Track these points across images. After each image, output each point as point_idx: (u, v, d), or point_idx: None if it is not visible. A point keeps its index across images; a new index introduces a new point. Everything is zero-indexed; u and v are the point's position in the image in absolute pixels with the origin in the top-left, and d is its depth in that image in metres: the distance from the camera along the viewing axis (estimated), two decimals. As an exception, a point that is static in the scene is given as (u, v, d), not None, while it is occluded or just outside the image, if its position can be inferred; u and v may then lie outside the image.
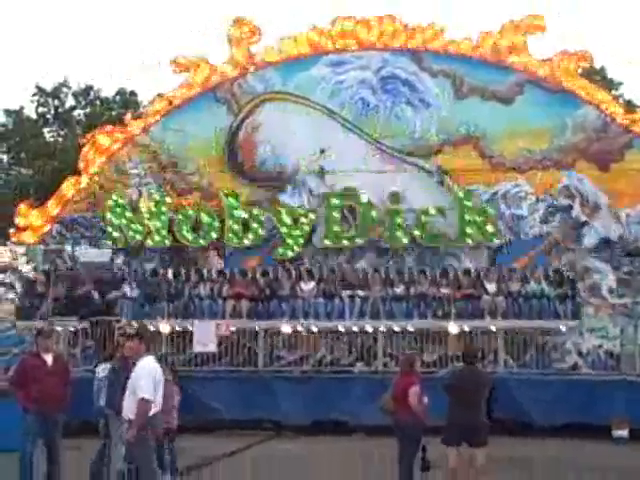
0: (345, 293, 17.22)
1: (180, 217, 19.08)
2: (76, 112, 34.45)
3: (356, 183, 19.08)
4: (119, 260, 19.04)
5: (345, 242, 18.79)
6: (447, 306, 16.65)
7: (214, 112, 20.04)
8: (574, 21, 45.00)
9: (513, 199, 18.78)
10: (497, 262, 18.35)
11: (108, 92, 34.75)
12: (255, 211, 19.03)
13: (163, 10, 58.20)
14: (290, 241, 18.81)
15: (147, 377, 7.38)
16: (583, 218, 18.39)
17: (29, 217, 20.01)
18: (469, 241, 18.30)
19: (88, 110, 34.14)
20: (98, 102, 34.55)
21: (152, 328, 15.43)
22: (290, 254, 18.78)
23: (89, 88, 34.40)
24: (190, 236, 19.04)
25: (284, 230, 18.82)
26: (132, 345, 7.73)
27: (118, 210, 19.25)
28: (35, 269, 18.88)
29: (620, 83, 31.89)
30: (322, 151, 19.27)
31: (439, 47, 19.67)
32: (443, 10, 38.60)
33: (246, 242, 18.98)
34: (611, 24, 53.65)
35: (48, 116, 34.11)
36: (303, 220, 18.85)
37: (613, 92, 26.33)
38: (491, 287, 17.08)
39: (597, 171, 18.63)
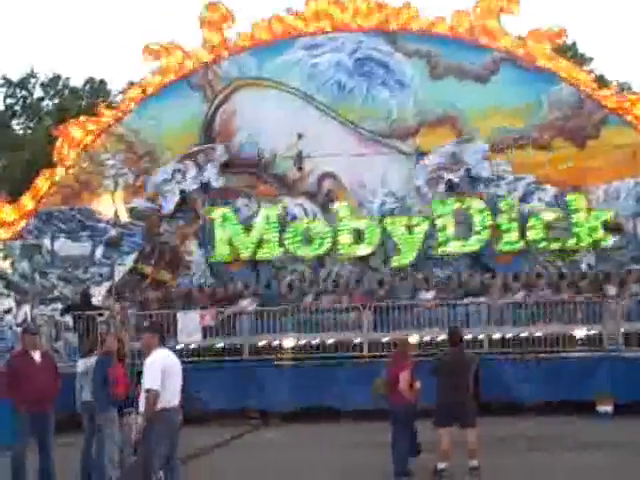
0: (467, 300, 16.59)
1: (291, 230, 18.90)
2: (45, 103, 33.97)
3: (334, 167, 19.06)
4: (98, 253, 18.87)
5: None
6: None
7: (189, 99, 19.85)
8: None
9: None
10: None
11: (77, 81, 34.32)
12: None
13: (130, -4, 57.40)
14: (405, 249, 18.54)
15: (152, 369, 7.29)
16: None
17: (2, 213, 19.71)
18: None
19: (57, 101, 33.67)
20: (67, 92, 34.08)
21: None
22: (405, 262, 18.56)
23: (57, 78, 33.91)
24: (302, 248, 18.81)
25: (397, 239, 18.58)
26: (146, 338, 7.68)
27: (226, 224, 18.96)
28: (13, 264, 18.65)
29: (591, 59, 32.07)
30: (299, 136, 19.15)
31: (413, 27, 19.58)
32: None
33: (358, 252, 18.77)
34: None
35: (16, 107, 33.60)
36: (417, 229, 18.59)
37: (585, 68, 26.37)
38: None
39: (574, 148, 18.71)
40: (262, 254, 18.89)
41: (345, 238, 18.72)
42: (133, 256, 19.01)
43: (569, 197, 18.36)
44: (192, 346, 15.64)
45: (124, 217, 19.21)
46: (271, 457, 11.81)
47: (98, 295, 18.30)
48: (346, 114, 19.23)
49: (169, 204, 19.23)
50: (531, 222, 18.35)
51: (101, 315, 16.37)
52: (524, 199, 18.57)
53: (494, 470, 9.78)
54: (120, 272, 18.66)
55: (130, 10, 57.06)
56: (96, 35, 57.72)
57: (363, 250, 18.76)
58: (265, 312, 16.41)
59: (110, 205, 19.33)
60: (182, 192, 19.27)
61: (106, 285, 18.58)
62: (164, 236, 19.25)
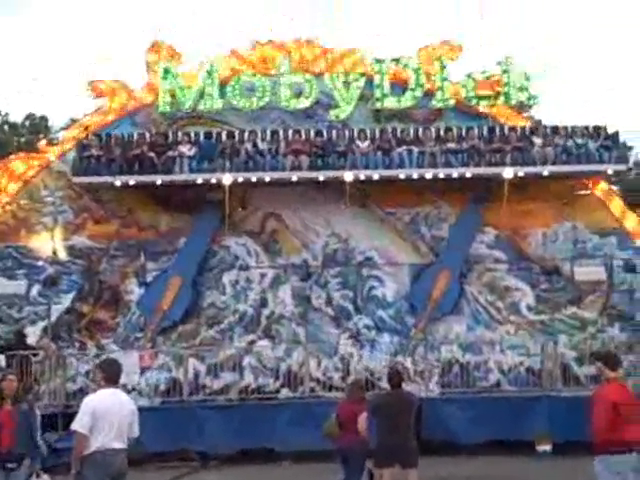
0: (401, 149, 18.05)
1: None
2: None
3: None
4: (35, 291, 18.44)
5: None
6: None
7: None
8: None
9: (433, 221, 19.08)
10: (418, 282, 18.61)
11: (16, 117, 33.86)
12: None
13: (75, 29, 57.10)
14: (342, 103, 19.10)
15: (82, 410, 7.13)
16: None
17: None
18: None
19: (-5, 136, 33.14)
20: (6, 127, 33.60)
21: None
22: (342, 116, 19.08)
23: (-4, 113, 33.45)
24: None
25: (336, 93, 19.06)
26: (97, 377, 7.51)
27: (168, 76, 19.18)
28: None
29: (530, 105, 32.69)
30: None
31: (359, 71, 19.85)
32: (361, 34, 39.13)
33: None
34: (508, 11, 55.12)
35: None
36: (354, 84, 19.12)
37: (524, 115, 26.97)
38: (537, 141, 18.29)
39: (514, 191, 19.04)
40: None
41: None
42: (71, 295, 18.60)
43: None
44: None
45: (63, 255, 18.89)
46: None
47: (33, 335, 17.82)
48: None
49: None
50: None
51: (36, 355, 15.96)
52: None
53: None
54: (57, 311, 18.27)
55: (74, 43, 56.75)
56: (37, 70, 57.14)
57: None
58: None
59: (48, 243, 19.00)
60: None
61: (42, 324, 18.13)
62: (104, 275, 18.91)
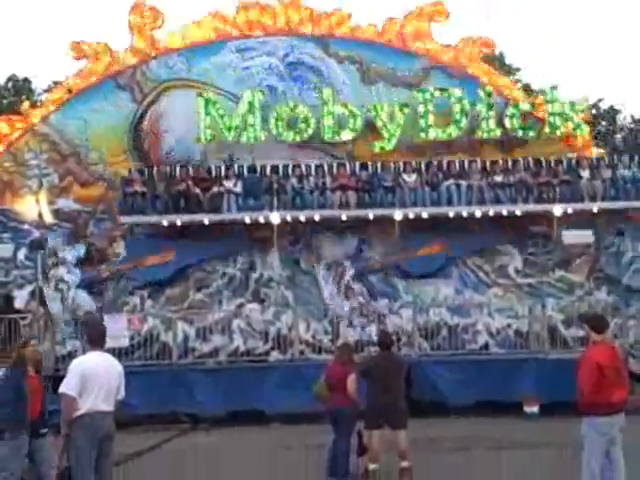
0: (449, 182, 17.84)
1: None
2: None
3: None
4: (21, 255, 18.31)
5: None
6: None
7: (116, 100, 19.46)
8: (473, 8, 46.30)
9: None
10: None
11: (-1, 79, 33.30)
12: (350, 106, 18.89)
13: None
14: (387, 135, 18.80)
15: (69, 373, 7.12)
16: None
17: None
18: None
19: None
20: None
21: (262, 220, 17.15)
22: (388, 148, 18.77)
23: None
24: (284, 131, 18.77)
25: (380, 124, 18.72)
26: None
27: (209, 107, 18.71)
28: None
29: (518, 69, 32.83)
30: None
31: (345, 33, 19.69)
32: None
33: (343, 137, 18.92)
34: (509, 11, 55.13)
35: None
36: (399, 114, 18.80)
37: (512, 78, 26.96)
38: (584, 173, 18.08)
39: (502, 154, 19.04)
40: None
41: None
42: (59, 258, 18.49)
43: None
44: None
45: (49, 218, 18.74)
46: (201, 462, 11.64)
47: (21, 298, 17.74)
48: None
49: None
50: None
51: (24, 319, 15.90)
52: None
53: (424, 470, 9.84)
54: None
55: (56, 6, 55.85)
56: (19, 32, 56.25)
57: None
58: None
59: (34, 206, 18.84)
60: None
61: (29, 288, 18.02)
62: (91, 238, 18.79)
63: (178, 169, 18.50)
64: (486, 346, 16.63)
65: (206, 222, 17.82)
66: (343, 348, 10.55)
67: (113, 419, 7.29)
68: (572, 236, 17.84)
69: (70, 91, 19.69)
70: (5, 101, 31.11)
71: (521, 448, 11.71)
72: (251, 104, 18.71)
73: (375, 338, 14.40)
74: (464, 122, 18.72)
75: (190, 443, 13.75)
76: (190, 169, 18.39)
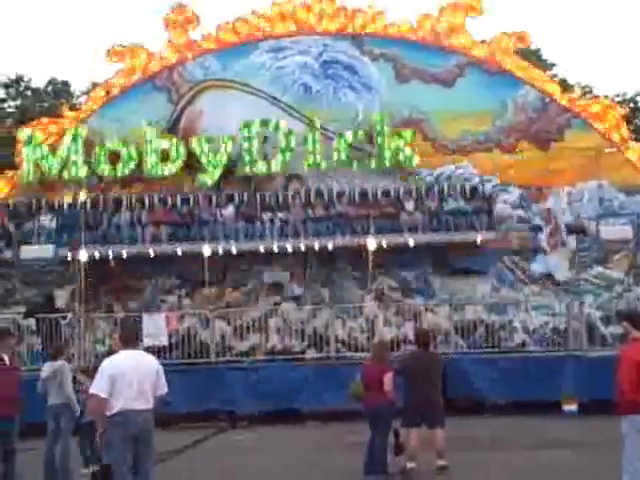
0: (266, 216, 17.97)
1: (97, 150, 19.04)
2: (6, 104, 33.45)
3: (299, 170, 19.05)
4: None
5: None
6: (366, 224, 17.59)
7: (154, 101, 19.70)
8: (508, 2, 45.77)
9: (456, 181, 18.93)
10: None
11: (39, 83, 33.87)
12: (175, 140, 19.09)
13: (92, -3, 56.87)
14: (210, 169, 18.87)
15: (99, 374, 7.16)
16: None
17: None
18: None
19: (19, 102, 33.17)
20: (29, 93, 33.60)
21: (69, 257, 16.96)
22: (210, 182, 18.88)
23: (19, 79, 33.41)
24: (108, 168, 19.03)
25: (204, 159, 18.82)
26: (114, 339, 7.52)
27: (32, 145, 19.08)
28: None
29: (554, 64, 32.49)
30: (265, 139, 19.06)
31: (379, 30, 19.67)
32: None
33: (166, 172, 19.02)
34: (544, 4, 54.51)
35: (-24, 109, 33.06)
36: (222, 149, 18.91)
37: (548, 73, 26.70)
38: (409, 205, 17.90)
39: (538, 151, 18.91)
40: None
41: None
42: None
43: None
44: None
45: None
46: (240, 459, 11.73)
47: (61, 298, 18.02)
48: (312, 116, 19.16)
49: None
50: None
51: (64, 318, 16.16)
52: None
53: (461, 468, 9.82)
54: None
55: (93, 11, 56.57)
56: (59, 36, 57.10)
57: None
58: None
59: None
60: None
61: (69, 288, 18.29)
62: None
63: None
64: (523, 344, 16.49)
65: None
66: (379, 346, 10.54)
67: (151, 416, 7.30)
68: (610, 231, 17.62)
69: (108, 92, 19.98)
70: (45, 104, 31.59)
71: (560, 447, 11.58)
72: (75, 138, 19.05)
73: (411, 336, 14.38)
74: (288, 157, 18.77)
75: (228, 441, 13.87)
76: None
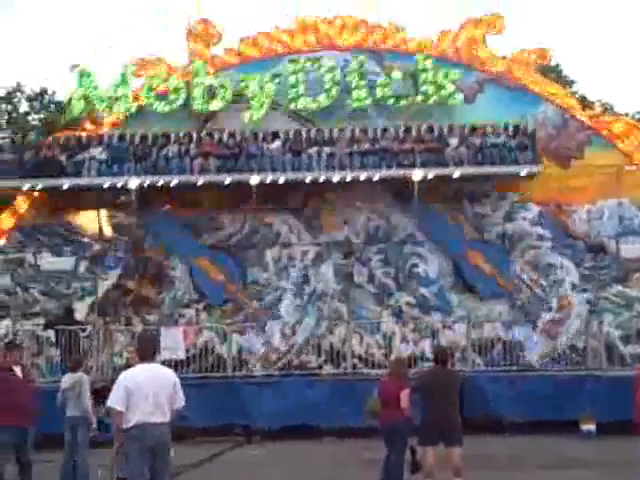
0: (312, 150, 18.12)
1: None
2: (30, 117, 33.80)
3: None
4: (82, 268, 18.73)
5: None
6: (411, 158, 17.76)
7: (175, 113, 19.75)
8: (528, 18, 45.81)
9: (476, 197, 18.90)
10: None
11: (63, 96, 34.17)
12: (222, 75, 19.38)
13: (117, 11, 57.49)
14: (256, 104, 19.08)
15: (115, 387, 7.19)
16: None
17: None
18: None
19: (43, 115, 33.51)
20: (53, 106, 33.93)
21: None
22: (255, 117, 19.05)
23: (43, 92, 33.77)
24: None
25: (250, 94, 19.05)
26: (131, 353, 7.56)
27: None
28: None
29: (574, 81, 32.38)
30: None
31: (398, 44, 19.72)
32: (401, 12, 38.70)
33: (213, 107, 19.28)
34: (564, 22, 54.46)
35: (1, 121, 33.40)
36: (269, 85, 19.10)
37: (568, 90, 26.63)
38: (453, 141, 18.09)
39: (558, 167, 18.85)
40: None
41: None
42: (117, 271, 18.85)
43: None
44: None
45: (108, 232, 19.13)
46: (256, 474, 11.73)
47: (81, 310, 18.16)
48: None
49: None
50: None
51: (84, 330, 16.26)
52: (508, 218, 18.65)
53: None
54: (103, 287, 18.55)
55: (115, 25, 57.12)
56: (82, 50, 57.69)
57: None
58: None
59: (94, 220, 19.23)
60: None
61: (89, 300, 18.44)
62: (149, 251, 19.11)
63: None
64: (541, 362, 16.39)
65: (65, 186, 18.23)
66: (397, 363, 10.52)
67: (168, 429, 7.31)
68: (630, 250, 17.51)
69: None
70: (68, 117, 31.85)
71: (577, 467, 11.50)
72: (123, 76, 19.43)
73: (429, 353, 14.34)
74: (334, 91, 18.93)
75: (244, 455, 13.87)
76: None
